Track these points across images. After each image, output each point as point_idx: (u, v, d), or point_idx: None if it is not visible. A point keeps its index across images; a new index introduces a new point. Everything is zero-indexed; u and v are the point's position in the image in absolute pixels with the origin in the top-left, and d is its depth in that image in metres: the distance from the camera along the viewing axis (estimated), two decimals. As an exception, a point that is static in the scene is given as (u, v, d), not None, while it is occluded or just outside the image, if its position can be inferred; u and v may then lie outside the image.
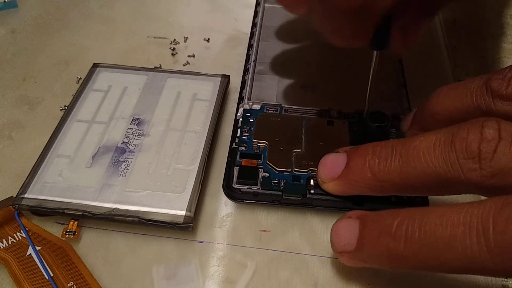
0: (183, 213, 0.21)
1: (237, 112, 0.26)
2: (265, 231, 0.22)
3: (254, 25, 0.31)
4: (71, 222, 0.22)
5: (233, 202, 0.23)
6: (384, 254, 0.17)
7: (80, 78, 0.29)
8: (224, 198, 0.23)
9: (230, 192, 0.22)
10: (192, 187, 0.22)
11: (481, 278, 0.20)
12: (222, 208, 0.23)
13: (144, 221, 0.21)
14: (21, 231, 0.21)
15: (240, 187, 0.22)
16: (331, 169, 0.20)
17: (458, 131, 0.16)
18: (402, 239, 0.16)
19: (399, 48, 0.21)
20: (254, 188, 0.22)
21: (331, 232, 0.19)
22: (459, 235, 0.15)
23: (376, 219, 0.18)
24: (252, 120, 0.25)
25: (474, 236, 0.14)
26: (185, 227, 0.21)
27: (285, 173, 0.22)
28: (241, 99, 0.26)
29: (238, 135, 0.24)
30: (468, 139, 0.16)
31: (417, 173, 0.17)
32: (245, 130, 0.24)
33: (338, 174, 0.20)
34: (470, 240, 0.14)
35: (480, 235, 0.14)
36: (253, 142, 0.24)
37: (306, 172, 0.22)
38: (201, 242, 0.22)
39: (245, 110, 0.25)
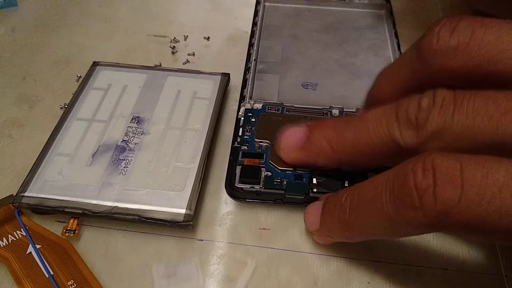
0: (183, 211, 0.21)
1: (238, 111, 0.26)
2: (265, 229, 0.22)
3: (254, 24, 0.31)
4: (71, 221, 0.22)
5: (233, 200, 0.23)
6: (338, 225, 0.19)
7: (80, 77, 0.29)
8: (224, 196, 0.23)
9: (233, 191, 0.22)
10: (192, 185, 0.22)
11: (481, 276, 0.20)
12: (222, 206, 0.23)
13: (144, 219, 0.21)
14: (21, 229, 0.21)
15: (243, 186, 0.22)
16: (292, 139, 0.21)
17: (401, 103, 0.17)
18: (347, 208, 0.18)
19: None
20: (257, 187, 0.22)
21: (303, 215, 0.21)
22: (378, 195, 0.16)
23: (334, 197, 0.19)
24: (254, 119, 0.25)
25: (388, 194, 0.16)
26: (185, 225, 0.21)
27: (287, 172, 0.22)
28: (242, 98, 0.26)
29: (240, 134, 0.24)
30: (408, 110, 0.17)
31: (366, 141, 0.18)
32: (247, 130, 0.24)
33: (298, 145, 0.21)
34: (385, 198, 0.16)
35: (392, 192, 0.16)
36: (255, 141, 0.24)
37: (308, 171, 0.22)
38: (201, 240, 0.22)
39: (246, 110, 0.25)
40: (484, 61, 0.16)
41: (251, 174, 0.22)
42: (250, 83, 0.27)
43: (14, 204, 0.22)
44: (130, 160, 0.23)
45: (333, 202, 0.19)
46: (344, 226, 0.18)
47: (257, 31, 0.30)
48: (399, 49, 0.29)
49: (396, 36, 0.30)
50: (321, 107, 0.25)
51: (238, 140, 0.24)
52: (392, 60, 0.29)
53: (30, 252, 0.21)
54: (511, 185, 0.14)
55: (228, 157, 0.24)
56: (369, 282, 0.20)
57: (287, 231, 0.22)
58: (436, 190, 0.14)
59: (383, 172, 0.17)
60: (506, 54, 0.15)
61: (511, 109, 0.15)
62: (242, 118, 0.25)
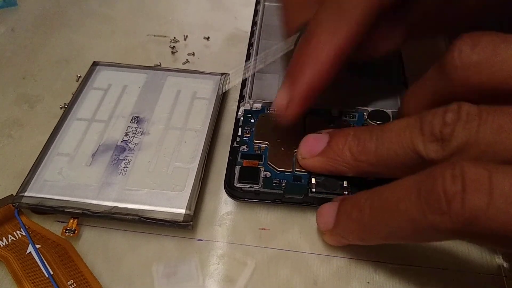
0: (183, 211, 0.21)
1: (237, 111, 0.26)
2: (265, 229, 0.22)
3: (254, 23, 0.31)
4: (71, 221, 0.22)
5: (233, 201, 0.23)
6: (354, 227, 0.19)
7: (80, 77, 0.29)
8: (224, 196, 0.23)
9: (232, 191, 0.22)
10: (192, 186, 0.22)
11: (481, 276, 0.20)
12: (222, 206, 0.23)
13: (144, 219, 0.21)
14: (21, 229, 0.21)
15: (242, 186, 0.22)
16: (313, 146, 0.21)
17: (426, 116, 0.17)
18: (366, 210, 0.18)
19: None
20: (256, 187, 0.22)
21: (316, 215, 0.21)
22: (403, 198, 0.16)
23: (351, 198, 0.19)
24: (253, 120, 0.25)
25: (414, 197, 0.16)
26: (185, 225, 0.21)
27: (286, 173, 0.22)
28: (242, 98, 0.26)
29: (239, 134, 0.24)
30: (433, 123, 0.17)
31: (390, 153, 0.18)
32: (246, 131, 0.24)
33: (318, 151, 0.21)
34: (410, 202, 0.16)
35: (418, 196, 0.16)
36: (254, 142, 0.24)
37: (307, 172, 0.22)
38: (201, 240, 0.22)
39: (246, 111, 0.25)
40: (507, 77, 0.16)
41: (250, 175, 0.22)
42: (249, 83, 0.27)
43: (14, 204, 0.22)
44: (130, 160, 0.23)
45: (350, 203, 0.19)
46: (361, 228, 0.18)
47: (257, 31, 0.30)
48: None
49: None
50: (320, 107, 0.25)
51: (238, 140, 0.24)
52: (391, 60, 0.29)
53: (30, 252, 0.21)
54: None
55: (227, 157, 0.24)
56: (369, 282, 0.20)
57: (287, 231, 0.22)
58: (465, 196, 0.14)
59: (408, 176, 0.17)
60: None
61: None
62: (242, 118, 0.25)
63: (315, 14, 0.20)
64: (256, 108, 0.25)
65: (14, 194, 0.22)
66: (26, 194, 0.22)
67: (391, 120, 0.24)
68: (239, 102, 0.26)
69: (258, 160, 0.23)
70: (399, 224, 0.17)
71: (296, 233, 0.22)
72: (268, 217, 0.23)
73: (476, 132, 0.16)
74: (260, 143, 0.24)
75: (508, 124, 0.15)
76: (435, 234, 0.16)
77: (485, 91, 0.17)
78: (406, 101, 0.21)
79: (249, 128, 0.24)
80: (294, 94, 0.20)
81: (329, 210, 0.20)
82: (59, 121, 0.25)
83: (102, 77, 0.28)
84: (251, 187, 0.22)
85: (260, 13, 0.32)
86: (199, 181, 0.22)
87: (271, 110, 0.22)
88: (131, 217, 0.21)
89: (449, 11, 0.22)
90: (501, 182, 0.14)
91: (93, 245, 0.21)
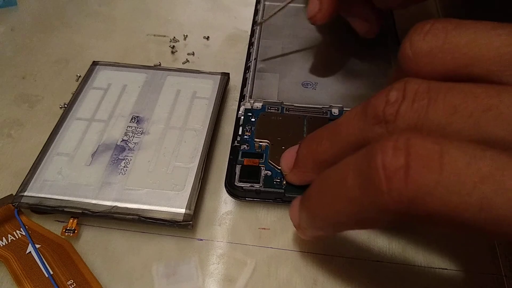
0: (182, 211, 0.21)
1: (238, 110, 0.26)
2: (264, 229, 0.22)
3: (254, 23, 0.31)
4: (71, 220, 0.22)
5: (233, 200, 0.23)
6: (305, 215, 0.17)
7: (80, 76, 0.29)
8: (224, 196, 0.23)
9: (233, 190, 0.22)
10: (191, 185, 0.22)
11: (481, 275, 0.20)
12: (222, 206, 0.23)
13: (144, 219, 0.21)
14: (21, 229, 0.21)
15: (243, 185, 0.22)
16: (288, 159, 0.21)
17: (370, 100, 0.16)
18: (313, 196, 0.17)
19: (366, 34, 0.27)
20: (257, 186, 0.22)
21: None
22: (345, 176, 0.15)
23: (308, 190, 0.18)
24: (254, 119, 0.25)
25: (354, 174, 0.14)
26: (185, 225, 0.21)
27: None
28: (242, 97, 0.26)
29: (240, 133, 0.24)
30: (375, 104, 0.15)
31: (342, 147, 0.17)
32: (247, 130, 0.24)
33: (292, 164, 0.20)
34: (351, 179, 0.14)
35: (358, 172, 0.14)
36: (255, 141, 0.24)
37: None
38: (201, 240, 0.22)
39: (246, 110, 0.25)
40: (461, 66, 0.15)
41: (250, 174, 0.22)
42: (250, 82, 0.27)
43: (13, 204, 0.22)
44: (129, 159, 0.23)
45: (307, 193, 0.17)
46: (310, 215, 0.17)
47: (257, 30, 0.30)
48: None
49: (396, 35, 0.30)
50: (321, 106, 0.25)
51: (238, 139, 0.24)
52: (391, 59, 0.29)
53: (30, 252, 0.21)
54: (496, 175, 0.12)
55: (228, 156, 0.24)
56: (368, 282, 0.20)
57: (286, 230, 0.22)
58: (409, 172, 0.13)
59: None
60: (483, 58, 0.14)
61: (493, 106, 0.13)
62: (242, 117, 0.25)
63: None
64: (257, 107, 0.25)
65: (14, 194, 0.22)
66: (26, 194, 0.22)
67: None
68: (240, 101, 0.26)
69: (259, 159, 0.23)
70: (341, 206, 0.15)
71: (296, 233, 0.22)
72: (268, 216, 0.23)
73: (426, 113, 0.14)
74: (261, 141, 0.24)
75: (462, 103, 0.14)
76: (378, 216, 0.14)
77: (438, 80, 0.15)
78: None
79: (249, 127, 0.24)
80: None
81: (293, 209, 0.19)
82: (58, 121, 0.25)
83: (102, 76, 0.28)
84: (252, 186, 0.22)
85: (260, 12, 0.32)
86: (199, 181, 0.22)
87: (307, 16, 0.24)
88: (131, 216, 0.21)
89: None
90: (454, 160, 0.12)
91: (93, 245, 0.21)
